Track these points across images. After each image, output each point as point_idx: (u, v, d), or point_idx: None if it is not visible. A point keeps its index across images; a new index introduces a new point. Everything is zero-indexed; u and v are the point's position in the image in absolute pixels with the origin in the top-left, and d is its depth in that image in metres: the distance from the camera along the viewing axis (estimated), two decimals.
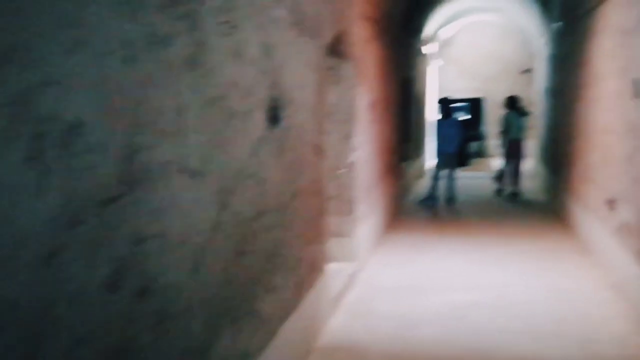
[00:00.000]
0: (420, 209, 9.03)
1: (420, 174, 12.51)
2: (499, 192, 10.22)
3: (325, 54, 4.33)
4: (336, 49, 5.01)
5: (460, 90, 16.26)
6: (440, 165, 9.54)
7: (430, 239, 7.04)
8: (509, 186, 10.03)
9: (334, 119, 5.30)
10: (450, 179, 9.41)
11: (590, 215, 6.08)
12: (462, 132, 9.76)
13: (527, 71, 15.79)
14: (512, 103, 10.59)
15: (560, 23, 8.78)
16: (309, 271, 3.79)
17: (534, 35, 12.28)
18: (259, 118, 2.84)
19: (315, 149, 3.94)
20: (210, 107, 2.26)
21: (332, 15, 4.45)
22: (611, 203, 5.22)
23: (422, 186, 11.73)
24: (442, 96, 11.83)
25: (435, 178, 9.45)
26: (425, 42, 12.45)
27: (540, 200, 9.63)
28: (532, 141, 12.62)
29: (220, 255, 2.37)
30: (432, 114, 14.73)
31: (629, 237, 4.60)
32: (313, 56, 3.89)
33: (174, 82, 1.97)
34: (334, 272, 4.86)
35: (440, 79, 16.35)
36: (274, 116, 3.07)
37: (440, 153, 9.55)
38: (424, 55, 12.56)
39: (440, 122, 9.76)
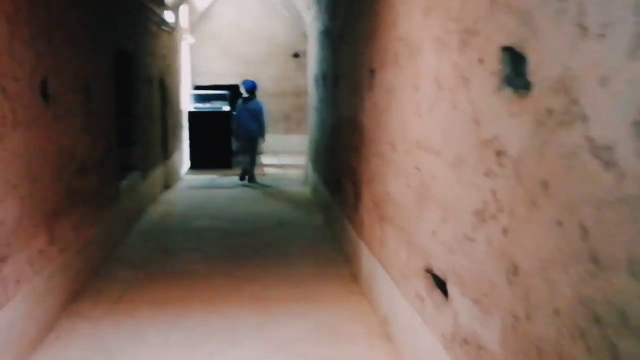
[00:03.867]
0: (149, 248, 6.03)
1: (169, 181, 9.47)
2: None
3: None
4: None
5: (221, 74, 13.52)
6: (243, 150, 10.04)
7: (143, 318, 4.11)
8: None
9: None
10: (252, 160, 10.02)
11: (391, 281, 3.74)
12: (262, 115, 9.99)
13: (298, 55, 13.70)
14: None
15: None
16: None
17: (304, 8, 10.03)
18: None
19: None
20: None
21: None
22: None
23: (177, 198, 8.72)
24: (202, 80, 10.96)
25: (244, 162, 10.09)
26: (170, 7, 9.38)
27: (315, 221, 7.32)
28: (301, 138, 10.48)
29: None
30: (186, 102, 11.74)
31: None
32: None
33: None
34: None
35: (195, 59, 13.39)
36: None
37: (241, 138, 9.94)
38: (168, 25, 9.49)
39: (240, 107, 9.94)
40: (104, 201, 5.51)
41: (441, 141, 2.76)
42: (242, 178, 10.15)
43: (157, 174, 8.55)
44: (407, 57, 3.34)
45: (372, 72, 4.32)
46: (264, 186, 9.89)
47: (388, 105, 3.81)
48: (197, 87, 12.84)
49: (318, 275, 5.12)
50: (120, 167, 6.30)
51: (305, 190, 9.34)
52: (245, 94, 10.04)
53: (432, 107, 2.88)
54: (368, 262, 4.46)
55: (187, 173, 11.21)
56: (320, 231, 6.74)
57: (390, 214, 3.79)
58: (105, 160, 5.55)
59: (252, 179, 10.08)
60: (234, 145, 11.37)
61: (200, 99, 12.18)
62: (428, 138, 2.95)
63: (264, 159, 12.24)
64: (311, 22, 9.38)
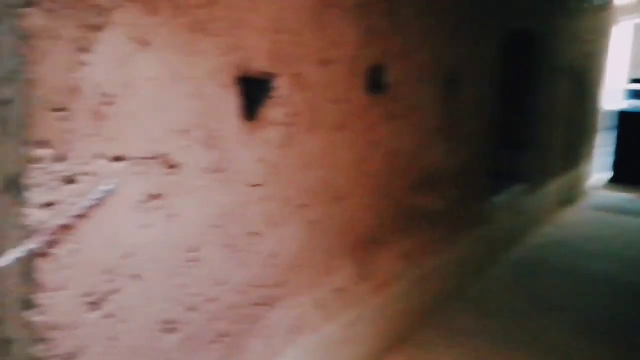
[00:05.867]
0: (514, 290, 4.61)
1: (571, 198, 7.62)
2: None
3: None
4: None
5: None
6: None
7: None
8: None
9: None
10: None
11: None
12: None
13: None
14: None
15: None
16: None
17: None
18: None
19: None
20: None
21: None
22: None
23: (575, 221, 6.89)
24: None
25: None
26: None
27: None
28: None
29: None
30: (613, 99, 9.46)
31: None
32: None
33: None
34: None
35: (637, 46, 10.67)
36: None
37: None
38: (596, 2, 7.51)
39: None
40: (462, 222, 4.35)
41: None
42: None
43: (553, 187, 6.88)
44: None
45: None
46: None
47: None
48: (635, 81, 10.29)
49: None
50: (495, 178, 5.02)
51: None
52: None
53: None
54: None
55: (603, 187, 9.01)
56: None
57: None
58: (470, 170, 4.37)
59: None
60: None
61: (636, 95, 9.70)
62: None
63: None
64: None
